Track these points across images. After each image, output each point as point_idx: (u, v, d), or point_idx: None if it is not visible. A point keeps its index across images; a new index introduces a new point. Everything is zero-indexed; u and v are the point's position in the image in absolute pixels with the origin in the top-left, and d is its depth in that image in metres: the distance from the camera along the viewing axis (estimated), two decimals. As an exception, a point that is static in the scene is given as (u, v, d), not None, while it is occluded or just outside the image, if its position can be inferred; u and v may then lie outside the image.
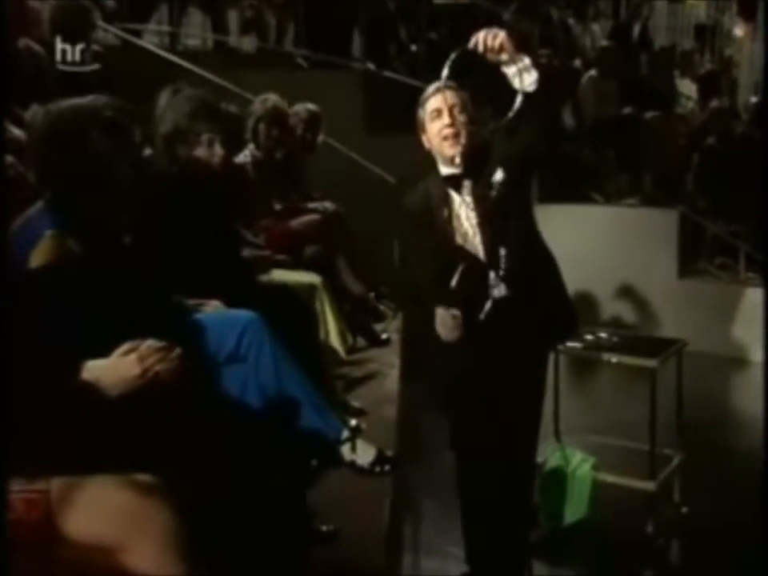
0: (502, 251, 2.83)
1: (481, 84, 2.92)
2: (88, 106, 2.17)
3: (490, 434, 2.96)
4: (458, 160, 2.84)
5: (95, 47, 3.94)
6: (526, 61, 2.66)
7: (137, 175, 2.16)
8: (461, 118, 2.83)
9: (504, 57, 2.65)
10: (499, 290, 2.87)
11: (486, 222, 2.85)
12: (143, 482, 1.64)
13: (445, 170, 2.91)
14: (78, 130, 2.06)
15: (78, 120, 2.08)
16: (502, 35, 2.62)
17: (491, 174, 2.83)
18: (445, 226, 2.89)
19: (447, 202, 2.90)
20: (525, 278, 2.86)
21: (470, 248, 2.88)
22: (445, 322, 2.84)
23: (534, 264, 2.91)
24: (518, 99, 2.67)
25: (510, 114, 2.70)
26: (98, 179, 2.07)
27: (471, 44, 2.65)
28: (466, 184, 2.88)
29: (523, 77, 2.66)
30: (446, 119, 2.82)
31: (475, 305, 2.87)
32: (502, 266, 2.84)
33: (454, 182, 2.89)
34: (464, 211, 2.89)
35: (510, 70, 2.67)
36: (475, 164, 2.86)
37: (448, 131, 2.82)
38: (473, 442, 3.02)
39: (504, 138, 2.84)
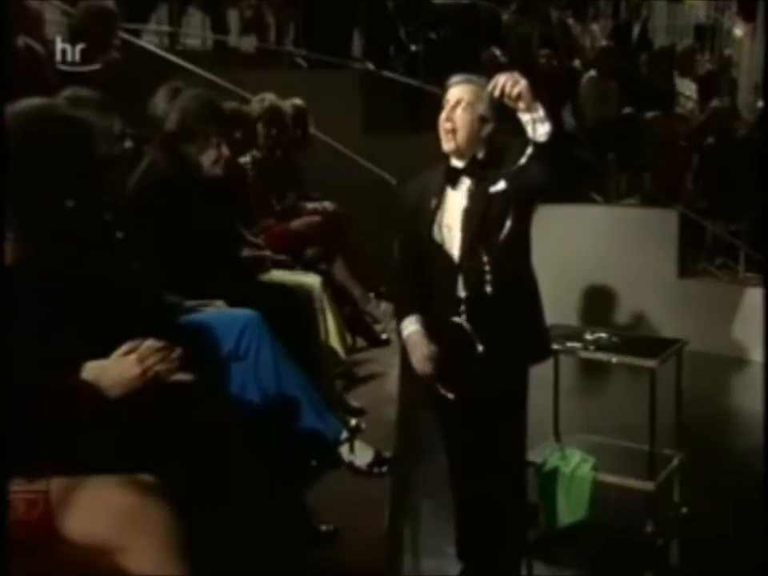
0: (482, 258, 2.82)
1: None
2: (42, 104, 2.13)
3: (475, 435, 2.95)
4: (452, 154, 2.85)
5: (116, 54, 3.94)
6: (541, 112, 2.64)
7: (96, 168, 2.12)
8: (464, 114, 2.82)
9: (521, 105, 2.64)
10: (466, 293, 2.85)
11: (471, 225, 2.84)
12: (143, 482, 1.64)
13: (453, 161, 2.91)
14: (27, 130, 2.02)
15: (28, 120, 2.04)
16: (522, 84, 2.60)
17: (493, 183, 2.82)
18: (429, 215, 2.89)
19: (440, 193, 2.89)
20: (499, 293, 2.83)
21: (447, 244, 2.88)
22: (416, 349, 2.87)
23: (514, 285, 2.88)
24: (529, 148, 2.67)
25: (522, 161, 2.70)
26: (68, 179, 2.04)
27: (490, 87, 2.65)
28: (464, 180, 2.87)
29: (536, 127, 2.65)
30: (445, 112, 2.83)
31: (446, 304, 2.87)
32: (477, 272, 2.83)
33: (454, 175, 2.88)
34: (452, 206, 2.88)
35: (524, 117, 2.66)
36: (482, 165, 2.86)
37: (445, 125, 2.83)
38: (460, 442, 3.02)
39: (517, 165, 2.82)
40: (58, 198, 2.05)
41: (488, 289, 2.82)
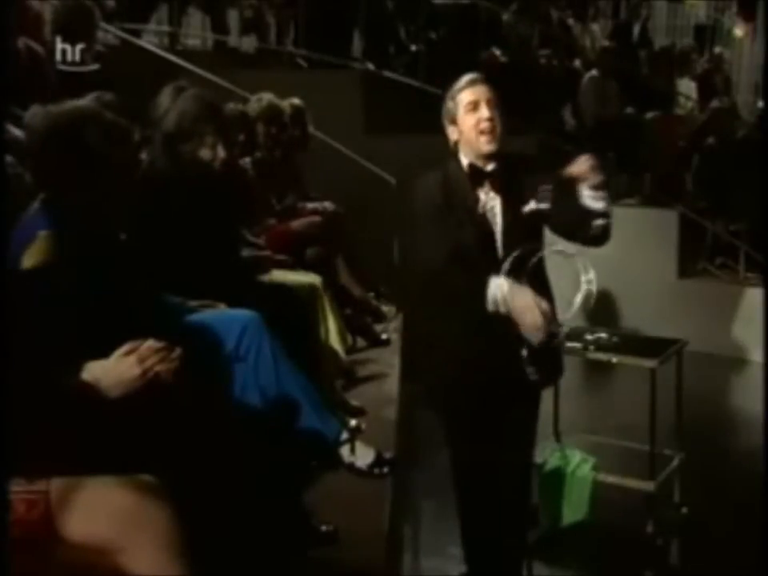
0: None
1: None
2: (88, 107, 2.18)
3: (486, 435, 2.95)
4: (489, 157, 2.80)
5: (98, 47, 3.95)
6: (602, 194, 2.70)
7: (133, 177, 2.17)
8: (497, 112, 2.78)
9: (592, 188, 2.68)
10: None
11: (510, 239, 2.81)
12: (143, 482, 1.64)
13: (471, 161, 2.84)
14: (77, 131, 2.06)
15: (78, 121, 2.08)
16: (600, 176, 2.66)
17: (524, 202, 2.79)
18: (479, 219, 2.81)
19: (475, 195, 2.82)
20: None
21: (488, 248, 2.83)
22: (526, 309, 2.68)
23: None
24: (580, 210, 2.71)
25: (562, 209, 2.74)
26: (93, 179, 2.07)
27: (573, 170, 2.66)
28: (486, 184, 2.84)
29: (593, 203, 2.71)
30: (484, 112, 2.75)
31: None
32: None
33: (477, 177, 2.83)
34: (489, 211, 2.86)
35: (586, 192, 2.68)
36: (503, 169, 2.82)
37: (486, 125, 2.75)
38: (469, 442, 3.01)
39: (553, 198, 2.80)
40: (100, 199, 2.09)
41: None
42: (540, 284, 2.91)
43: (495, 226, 2.82)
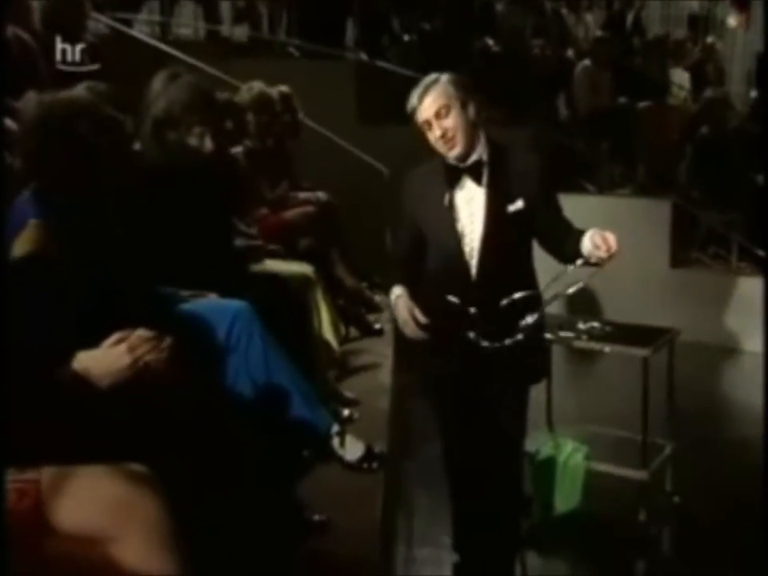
0: (489, 264, 2.82)
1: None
2: (81, 98, 2.17)
3: (476, 425, 2.96)
4: (459, 159, 2.80)
5: (90, 38, 3.94)
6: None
7: (125, 168, 2.17)
8: (452, 119, 2.75)
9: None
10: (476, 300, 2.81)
11: (492, 240, 2.81)
12: (134, 471, 1.64)
13: (453, 160, 2.84)
14: (69, 121, 2.06)
15: (71, 112, 2.08)
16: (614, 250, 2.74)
17: (511, 201, 2.79)
18: (446, 212, 2.83)
19: (450, 189, 2.84)
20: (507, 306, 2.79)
21: (463, 249, 2.84)
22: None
23: (523, 299, 2.85)
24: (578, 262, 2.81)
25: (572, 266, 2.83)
26: (86, 171, 2.07)
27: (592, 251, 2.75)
28: (465, 178, 2.83)
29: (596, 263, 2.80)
30: (436, 131, 2.75)
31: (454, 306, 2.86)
32: (483, 276, 2.82)
33: (456, 175, 2.84)
34: (464, 206, 2.86)
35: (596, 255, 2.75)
36: (489, 161, 2.82)
37: (441, 140, 2.76)
38: (460, 431, 3.01)
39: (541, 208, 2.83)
40: (92, 189, 2.08)
41: (499, 300, 2.81)
42: (525, 289, 2.91)
43: (474, 216, 2.83)
